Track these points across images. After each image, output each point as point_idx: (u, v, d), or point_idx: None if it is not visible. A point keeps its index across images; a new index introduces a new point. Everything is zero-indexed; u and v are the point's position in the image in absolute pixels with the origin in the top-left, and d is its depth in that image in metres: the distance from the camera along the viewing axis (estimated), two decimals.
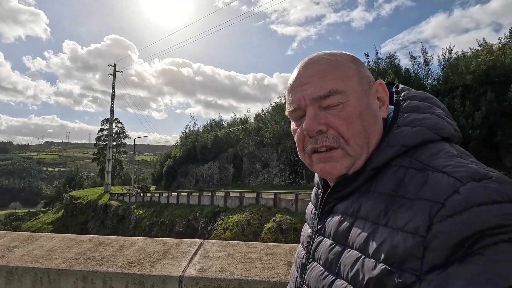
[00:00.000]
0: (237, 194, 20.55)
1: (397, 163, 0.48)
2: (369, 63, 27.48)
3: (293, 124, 0.58)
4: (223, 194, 21.45)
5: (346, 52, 0.57)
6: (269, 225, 16.11)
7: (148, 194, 30.64)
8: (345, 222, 0.51)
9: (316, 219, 0.60)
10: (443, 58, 28.49)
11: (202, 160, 40.05)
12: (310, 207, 0.68)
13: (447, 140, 0.50)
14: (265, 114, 41.62)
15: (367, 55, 26.70)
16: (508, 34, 32.62)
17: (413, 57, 28.63)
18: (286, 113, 0.58)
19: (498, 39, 30.72)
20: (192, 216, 22.03)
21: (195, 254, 1.35)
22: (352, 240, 0.48)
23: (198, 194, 23.53)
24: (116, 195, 35.61)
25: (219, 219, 19.37)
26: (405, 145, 0.49)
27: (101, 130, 58.76)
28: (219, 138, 39.03)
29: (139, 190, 39.58)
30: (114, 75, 44.50)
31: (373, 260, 0.42)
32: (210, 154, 38.73)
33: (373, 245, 0.43)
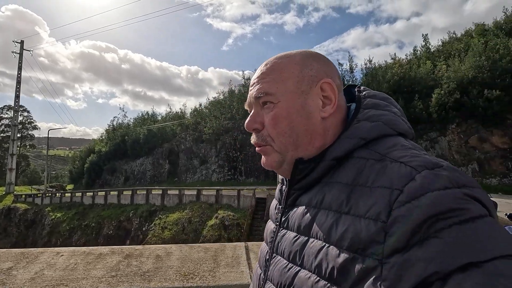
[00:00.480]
0: (176, 192, 19.67)
1: (358, 154, 0.51)
2: None
3: None
4: (160, 192, 20.22)
5: (304, 51, 0.60)
6: (211, 222, 15.88)
7: (68, 195, 26.84)
8: (309, 213, 0.52)
9: (280, 213, 0.62)
10: (365, 67, 32.64)
11: (133, 156, 36.99)
12: (274, 203, 0.70)
13: (402, 135, 0.55)
14: (202, 109, 40.75)
15: None
16: (412, 51, 38.75)
17: (340, 64, 31.91)
18: (245, 106, 0.65)
19: (405, 55, 36.21)
20: (124, 216, 20.13)
21: (248, 258, 1.27)
22: (316, 230, 0.49)
23: (131, 193, 21.67)
24: (24, 196, 30.25)
25: (156, 218, 18.18)
26: (364, 137, 0.52)
27: (0, 119, 48.93)
28: (153, 132, 36.62)
29: (53, 190, 34.33)
30: (20, 54, 37.45)
31: (337, 248, 0.44)
32: (143, 150, 36.05)
33: (336, 234, 0.45)
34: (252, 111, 0.60)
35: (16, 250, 1.28)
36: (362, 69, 32.50)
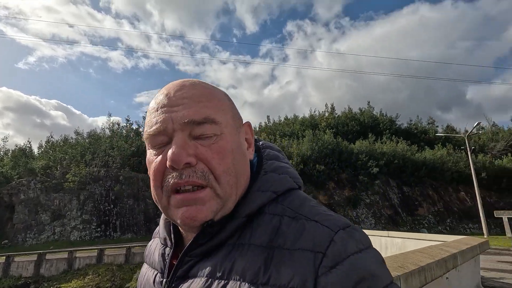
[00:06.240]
0: (64, 255, 16.00)
1: (271, 210, 0.45)
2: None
3: (150, 153, 0.47)
4: (34, 257, 15.44)
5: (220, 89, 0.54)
6: (135, 284, 14.31)
7: None
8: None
9: None
10: None
11: None
12: (149, 273, 0.53)
13: (299, 188, 0.52)
14: (54, 149, 33.16)
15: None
16: (258, 126, 51.01)
17: None
18: (145, 136, 0.47)
19: (254, 128, 47.31)
20: None
21: None
22: None
23: None
24: None
25: None
26: (276, 191, 0.48)
27: None
28: None
29: None
30: None
31: None
32: None
33: None
34: (178, 139, 0.44)
35: None
36: None
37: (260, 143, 0.58)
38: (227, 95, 0.53)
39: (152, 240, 0.58)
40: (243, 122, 0.53)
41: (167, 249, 0.50)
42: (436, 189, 33.07)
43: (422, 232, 22.10)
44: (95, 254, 15.98)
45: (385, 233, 9.92)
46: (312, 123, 47.06)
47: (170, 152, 0.43)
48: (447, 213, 31.14)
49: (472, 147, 26.59)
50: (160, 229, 0.54)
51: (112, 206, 27.70)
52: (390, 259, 2.87)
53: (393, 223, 31.39)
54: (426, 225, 30.01)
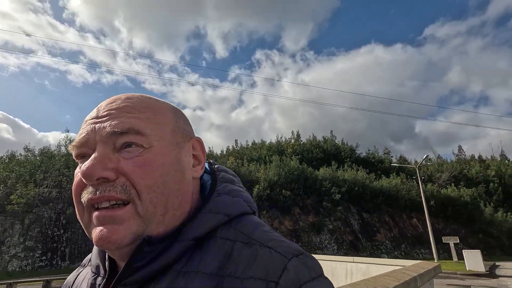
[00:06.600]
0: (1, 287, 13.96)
1: (223, 235, 0.42)
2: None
3: (78, 167, 0.45)
4: None
5: (168, 102, 0.51)
6: None
7: None
8: None
9: None
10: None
11: None
12: None
13: (254, 213, 0.51)
14: None
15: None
16: (226, 149, 50.86)
17: None
18: (69, 148, 0.45)
19: (221, 150, 47.26)
20: None
21: None
22: None
23: None
24: None
25: None
26: (228, 214, 0.45)
27: None
28: None
29: None
30: None
31: None
32: None
33: None
34: (97, 152, 0.41)
35: None
36: None
37: (215, 166, 0.56)
38: (175, 109, 0.51)
39: (78, 270, 0.53)
40: (194, 137, 0.51)
41: (99, 278, 0.45)
42: (392, 216, 35.23)
43: (382, 258, 23.38)
44: (40, 286, 14.28)
45: (350, 258, 10.37)
46: (278, 149, 48.28)
47: (83, 165, 0.40)
48: (402, 239, 33.09)
49: (422, 177, 29.23)
50: (93, 255, 0.49)
51: (62, 231, 25.21)
52: (364, 283, 3.19)
53: (354, 249, 32.43)
54: (384, 250, 31.50)
